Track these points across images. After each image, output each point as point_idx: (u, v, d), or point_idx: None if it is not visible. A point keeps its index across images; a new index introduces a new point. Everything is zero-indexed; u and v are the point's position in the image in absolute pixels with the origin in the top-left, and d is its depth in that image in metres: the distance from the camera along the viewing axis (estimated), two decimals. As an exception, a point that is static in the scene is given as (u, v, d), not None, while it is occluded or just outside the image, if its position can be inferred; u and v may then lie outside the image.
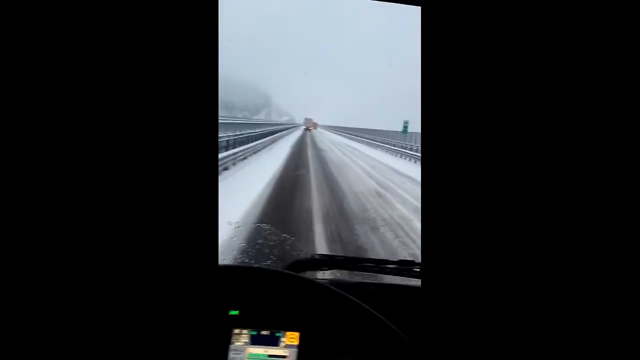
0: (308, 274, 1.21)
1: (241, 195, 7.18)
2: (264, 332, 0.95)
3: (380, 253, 4.97)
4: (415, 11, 0.74)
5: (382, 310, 0.86)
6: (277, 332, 0.95)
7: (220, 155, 10.32)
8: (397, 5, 0.85)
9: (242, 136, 15.74)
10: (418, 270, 1.19)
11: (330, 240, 5.40)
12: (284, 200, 7.57)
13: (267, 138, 22.53)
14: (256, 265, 2.93)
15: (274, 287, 0.94)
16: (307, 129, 62.85)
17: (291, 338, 0.94)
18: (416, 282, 1.19)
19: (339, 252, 4.93)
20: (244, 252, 4.34)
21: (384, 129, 37.26)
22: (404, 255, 4.77)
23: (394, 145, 26.48)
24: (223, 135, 12.95)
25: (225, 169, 10.31)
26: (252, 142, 17.50)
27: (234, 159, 11.73)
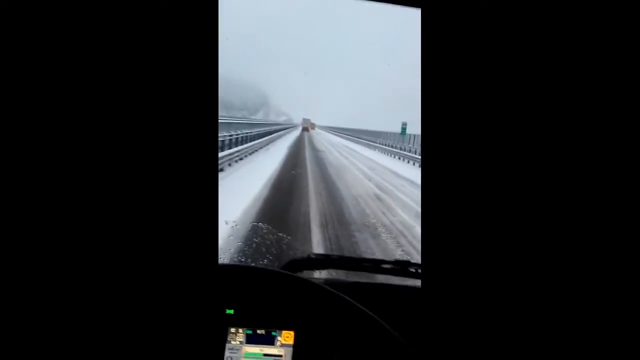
0: (304, 274, 1.20)
1: (236, 197, 6.93)
2: (259, 331, 0.95)
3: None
4: (415, 11, 0.74)
5: (378, 310, 0.86)
6: (273, 331, 0.95)
7: (215, 156, 10.02)
8: (397, 6, 0.84)
9: (239, 136, 15.49)
10: (414, 270, 1.19)
11: (329, 248, 5.17)
12: (280, 206, 7.29)
13: (264, 138, 22.31)
14: (252, 265, 2.86)
15: (270, 286, 0.93)
16: (304, 130, 62.68)
17: (287, 337, 0.95)
18: (412, 281, 1.19)
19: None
20: (240, 251, 4.36)
21: (383, 130, 37.05)
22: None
23: (392, 147, 26.30)
24: (219, 135, 12.69)
25: (221, 169, 10.03)
26: (249, 142, 17.30)
27: (229, 159, 11.46)
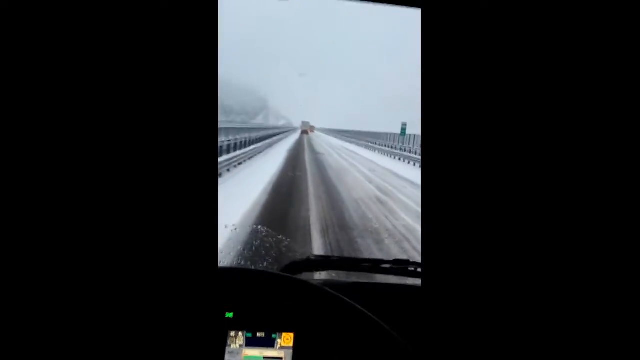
0: (304, 275, 1.20)
1: (235, 202, 6.75)
2: (259, 334, 0.95)
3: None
4: (414, 12, 0.74)
5: (379, 310, 0.87)
6: (273, 334, 0.94)
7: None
8: (397, 7, 0.83)
9: (237, 141, 15.33)
10: (413, 269, 1.21)
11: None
12: (279, 211, 7.09)
13: (263, 142, 22.16)
14: (251, 267, 2.87)
15: (269, 288, 0.94)
16: (304, 132, 62.62)
17: (287, 339, 0.94)
18: (411, 281, 1.20)
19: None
20: (240, 254, 4.35)
21: (382, 131, 36.89)
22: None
23: (392, 148, 26.12)
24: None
25: (220, 175, 9.84)
26: (248, 146, 17.16)
27: (228, 164, 11.28)
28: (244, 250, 4.51)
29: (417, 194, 9.77)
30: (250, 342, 0.94)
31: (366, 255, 5.06)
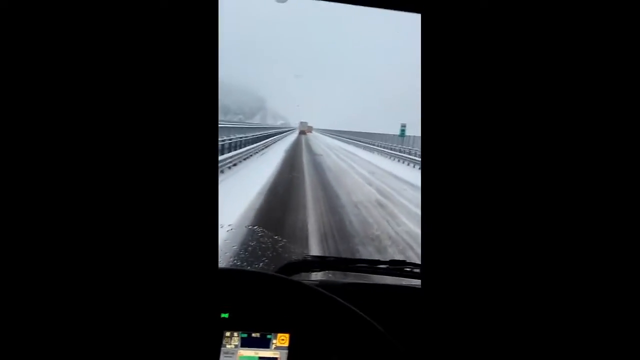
0: (301, 276, 1.23)
1: (228, 204, 6.37)
2: (254, 335, 0.95)
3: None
4: (413, 15, 0.76)
5: (375, 310, 0.87)
6: (268, 334, 0.95)
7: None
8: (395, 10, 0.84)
9: (232, 141, 14.96)
10: (409, 269, 1.22)
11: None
12: (275, 216, 6.68)
13: (260, 142, 21.78)
14: (248, 268, 2.59)
15: (264, 289, 0.94)
16: (302, 133, 62.46)
17: (282, 340, 0.94)
18: (408, 281, 1.21)
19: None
20: (236, 254, 4.26)
21: (381, 132, 36.57)
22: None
23: (391, 149, 25.80)
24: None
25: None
26: (245, 146, 16.83)
27: (222, 165, 10.89)
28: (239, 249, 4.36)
29: (418, 196, 9.38)
30: (246, 343, 0.94)
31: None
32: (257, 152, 18.26)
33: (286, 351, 0.93)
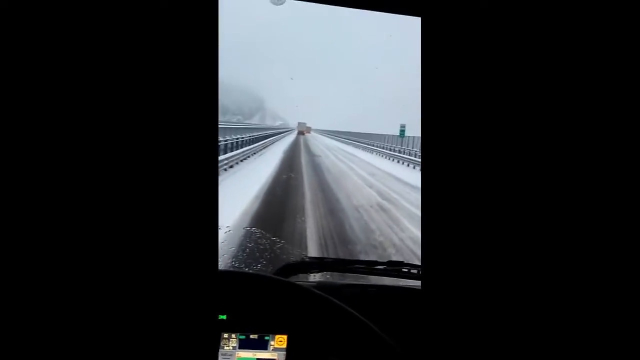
0: (299, 277, 1.25)
1: (225, 207, 6.03)
2: (252, 336, 0.94)
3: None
4: (413, 18, 0.78)
5: (372, 311, 0.87)
6: (266, 336, 0.94)
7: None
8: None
9: (228, 142, 14.64)
10: (407, 270, 1.23)
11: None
12: (272, 221, 6.34)
13: (259, 143, 21.48)
14: (246, 270, 2.86)
15: (262, 291, 0.93)
16: (300, 133, 62.28)
17: (280, 341, 0.94)
18: (405, 282, 1.22)
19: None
20: (234, 256, 4.24)
21: (380, 132, 36.25)
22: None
23: (390, 150, 25.50)
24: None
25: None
26: (243, 147, 16.54)
27: (218, 166, 10.55)
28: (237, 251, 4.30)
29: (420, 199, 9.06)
30: (244, 344, 0.94)
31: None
32: (255, 153, 17.96)
33: (284, 352, 0.92)
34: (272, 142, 28.21)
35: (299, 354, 0.92)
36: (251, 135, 21.10)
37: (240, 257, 4.26)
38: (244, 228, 5.50)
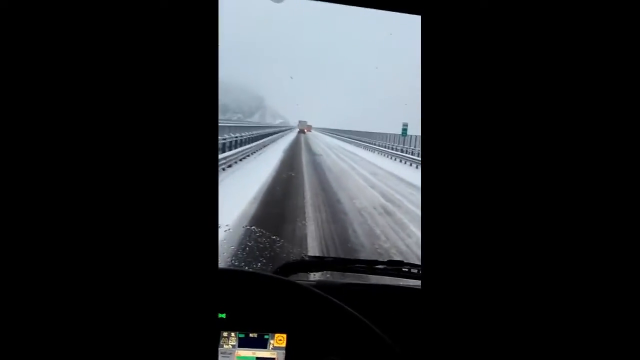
0: (299, 276, 1.22)
1: (223, 207, 5.66)
2: (252, 335, 0.95)
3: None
4: (414, 16, 0.75)
5: (372, 311, 0.87)
6: (266, 335, 0.94)
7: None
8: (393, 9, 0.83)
9: (226, 141, 14.30)
10: (407, 270, 1.21)
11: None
12: (271, 225, 5.96)
13: (259, 142, 21.15)
14: (246, 269, 2.70)
15: (261, 290, 0.93)
16: (301, 132, 62.17)
17: (279, 340, 0.94)
18: (405, 281, 1.20)
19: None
20: (234, 254, 4.21)
21: (382, 131, 35.86)
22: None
23: (393, 149, 25.14)
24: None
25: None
26: (242, 146, 16.22)
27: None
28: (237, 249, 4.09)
29: (425, 200, 8.67)
30: (243, 343, 0.94)
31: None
32: (255, 151, 17.62)
33: (283, 351, 0.93)
34: (272, 141, 27.88)
35: (298, 353, 0.92)
36: (251, 133, 20.76)
37: (240, 256, 4.21)
38: (243, 227, 5.44)
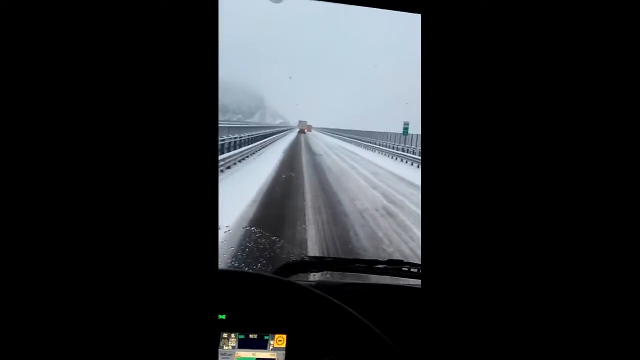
0: (299, 276, 1.22)
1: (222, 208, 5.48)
2: (252, 336, 0.94)
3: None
4: (410, 14, 0.77)
5: (372, 310, 0.87)
6: (265, 335, 0.94)
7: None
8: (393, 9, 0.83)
9: (225, 141, 14.12)
10: (407, 269, 1.21)
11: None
12: (270, 230, 5.78)
13: (258, 142, 20.97)
14: (246, 269, 2.76)
15: (261, 290, 0.93)
16: (301, 132, 62.12)
17: (279, 341, 0.93)
18: (405, 281, 1.20)
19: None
20: (233, 255, 4.18)
21: (383, 130, 35.65)
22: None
23: (393, 148, 24.94)
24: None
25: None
26: (241, 147, 16.07)
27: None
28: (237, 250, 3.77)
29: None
30: (243, 344, 0.93)
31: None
32: (255, 152, 17.44)
33: (283, 352, 0.92)
34: (272, 142, 27.70)
35: (298, 354, 0.92)
36: (250, 134, 20.58)
37: (240, 257, 4.18)
38: (243, 227, 5.42)
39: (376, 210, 7.83)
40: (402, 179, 13.04)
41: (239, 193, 7.87)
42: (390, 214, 7.64)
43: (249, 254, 4.22)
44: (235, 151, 14.15)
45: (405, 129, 25.03)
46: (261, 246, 4.42)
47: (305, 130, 69.75)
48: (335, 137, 53.02)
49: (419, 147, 20.34)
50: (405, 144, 24.42)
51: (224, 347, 0.92)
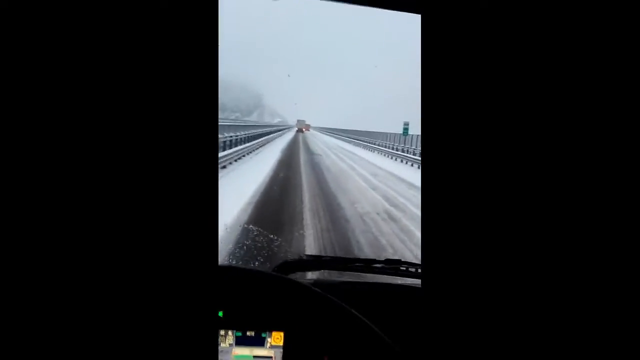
0: (297, 275, 1.20)
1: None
2: (249, 333, 0.94)
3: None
4: (410, 14, 0.80)
5: (370, 309, 0.87)
6: (263, 333, 0.94)
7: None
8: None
9: (225, 139, 13.80)
10: (404, 268, 1.21)
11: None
12: (265, 235, 5.42)
13: (255, 141, 20.68)
14: (242, 266, 2.60)
15: (258, 288, 0.92)
16: (299, 131, 62.10)
17: (277, 338, 0.94)
18: (402, 280, 1.20)
19: None
20: (231, 254, 4.20)
21: (382, 130, 35.36)
22: None
23: (393, 149, 24.64)
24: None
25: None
26: (238, 145, 15.78)
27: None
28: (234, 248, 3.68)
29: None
30: (240, 341, 0.93)
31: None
32: (252, 151, 17.11)
33: (280, 350, 0.93)
34: (270, 141, 27.39)
35: (295, 352, 0.92)
36: (248, 132, 20.25)
37: (238, 255, 4.19)
38: (240, 226, 5.39)
39: (377, 214, 7.47)
40: (402, 180, 12.72)
41: (234, 193, 7.51)
42: (392, 217, 7.28)
43: (246, 252, 4.20)
44: (231, 150, 13.81)
45: (405, 130, 24.72)
46: (259, 245, 4.38)
47: (304, 129, 69.84)
48: (334, 136, 52.88)
49: (419, 148, 20.03)
50: (405, 144, 24.11)
51: (222, 345, 0.92)
